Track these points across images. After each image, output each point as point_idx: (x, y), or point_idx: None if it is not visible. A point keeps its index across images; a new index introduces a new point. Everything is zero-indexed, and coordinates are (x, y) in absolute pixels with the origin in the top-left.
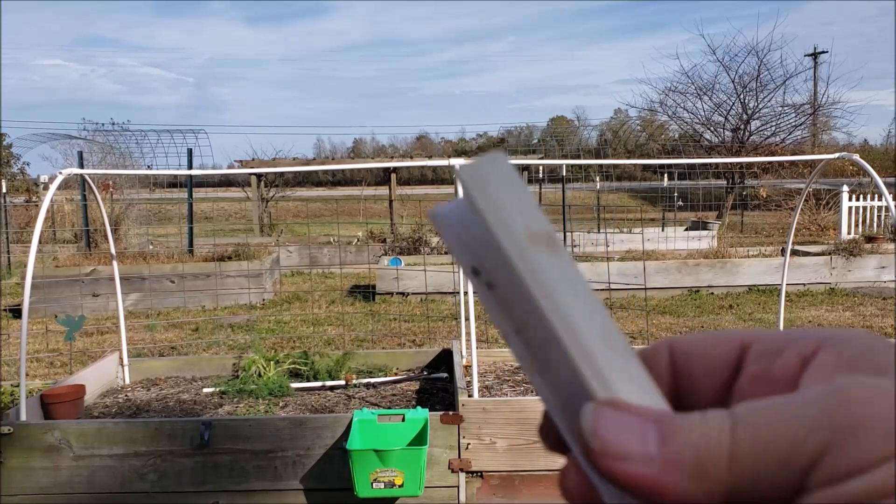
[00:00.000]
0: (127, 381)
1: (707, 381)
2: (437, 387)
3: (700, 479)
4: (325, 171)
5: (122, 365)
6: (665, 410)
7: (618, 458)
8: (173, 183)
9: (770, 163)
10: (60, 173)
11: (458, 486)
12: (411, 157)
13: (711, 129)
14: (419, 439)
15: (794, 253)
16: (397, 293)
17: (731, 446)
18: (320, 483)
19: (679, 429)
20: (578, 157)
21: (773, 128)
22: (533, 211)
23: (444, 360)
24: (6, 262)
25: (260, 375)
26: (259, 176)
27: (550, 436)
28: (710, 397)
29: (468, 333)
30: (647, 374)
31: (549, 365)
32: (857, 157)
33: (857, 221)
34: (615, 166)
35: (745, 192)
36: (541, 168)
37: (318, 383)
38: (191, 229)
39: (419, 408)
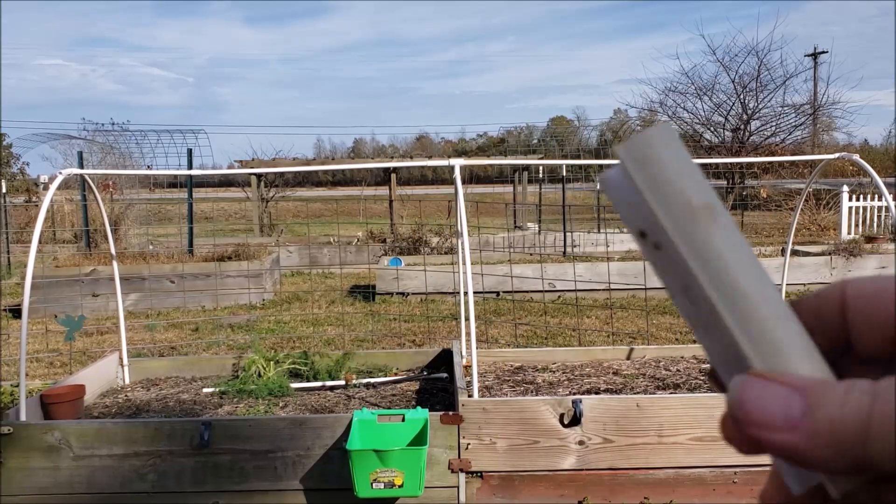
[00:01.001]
0: (127, 381)
1: (880, 329)
2: (437, 387)
3: (838, 450)
4: (325, 172)
5: (122, 365)
6: (814, 379)
7: (762, 426)
8: (173, 183)
9: (770, 163)
10: (60, 173)
11: (458, 487)
12: (411, 157)
13: (711, 129)
14: (419, 439)
15: (795, 253)
16: (397, 293)
17: (867, 422)
18: (320, 483)
19: (823, 399)
20: (578, 157)
21: (773, 128)
22: (693, 183)
23: (444, 360)
24: (6, 262)
25: (260, 375)
26: (259, 176)
27: (719, 379)
28: (883, 346)
29: (468, 333)
30: (806, 338)
31: (713, 327)
32: (857, 157)
33: (857, 221)
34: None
35: (745, 193)
36: (541, 168)
37: (318, 383)
38: (191, 229)
39: (419, 408)
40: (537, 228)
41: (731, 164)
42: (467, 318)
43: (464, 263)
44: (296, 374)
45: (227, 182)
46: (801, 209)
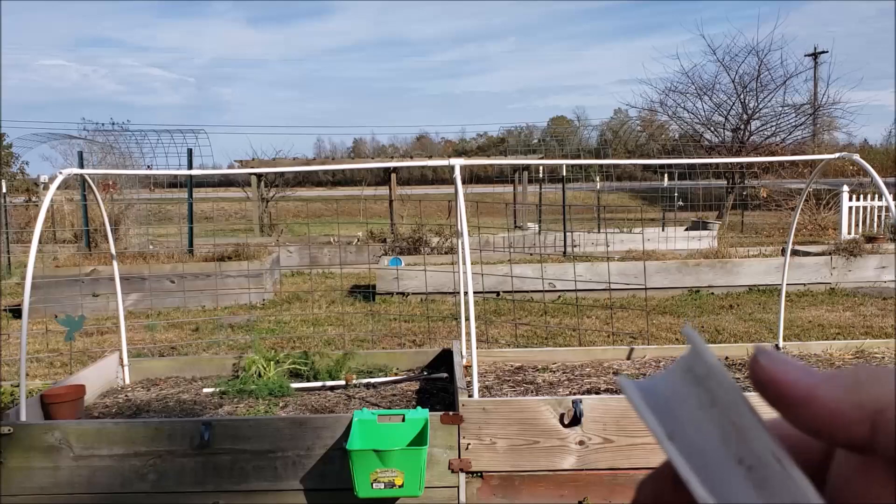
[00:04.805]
0: (127, 381)
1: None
2: (437, 387)
3: (853, 391)
4: (325, 171)
5: (122, 365)
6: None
7: (782, 364)
8: (173, 183)
9: (770, 163)
10: (60, 173)
11: (458, 487)
12: (411, 157)
13: (711, 129)
14: (419, 439)
15: (795, 253)
16: (397, 293)
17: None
18: (320, 483)
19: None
20: (578, 157)
21: (774, 128)
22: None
23: (444, 360)
24: (6, 262)
25: (260, 375)
26: (259, 176)
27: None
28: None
29: (468, 333)
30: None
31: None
32: (857, 157)
33: (857, 221)
34: (615, 166)
35: (745, 192)
36: (541, 168)
37: (318, 383)
38: (191, 229)
39: (419, 408)
40: (537, 228)
41: (731, 163)
42: (467, 318)
43: (464, 263)
44: (296, 374)
45: (227, 182)
46: (801, 209)
